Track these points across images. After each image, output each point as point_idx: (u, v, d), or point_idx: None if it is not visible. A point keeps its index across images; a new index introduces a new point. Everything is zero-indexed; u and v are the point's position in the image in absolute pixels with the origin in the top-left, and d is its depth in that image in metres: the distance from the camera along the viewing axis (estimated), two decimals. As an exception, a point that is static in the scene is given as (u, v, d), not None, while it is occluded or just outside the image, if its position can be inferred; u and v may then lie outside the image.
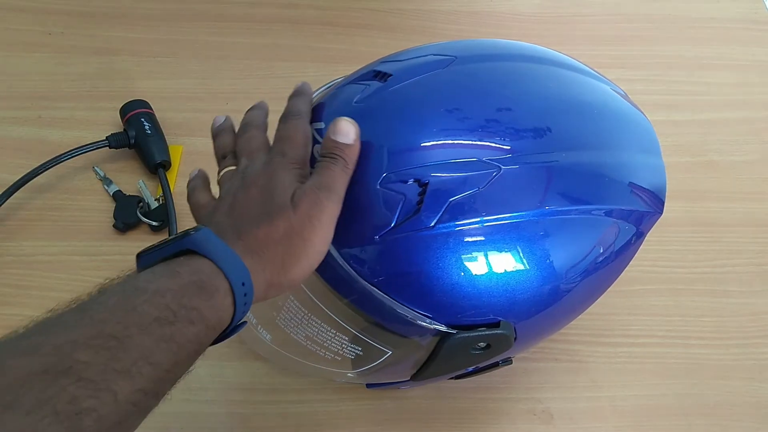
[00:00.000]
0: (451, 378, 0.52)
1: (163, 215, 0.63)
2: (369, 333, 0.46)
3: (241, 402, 0.56)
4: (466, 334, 0.43)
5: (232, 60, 0.76)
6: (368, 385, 0.55)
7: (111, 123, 0.69)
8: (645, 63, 0.81)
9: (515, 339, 0.45)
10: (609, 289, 0.56)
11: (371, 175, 0.41)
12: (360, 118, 0.42)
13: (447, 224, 0.41)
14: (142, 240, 0.62)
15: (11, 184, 0.62)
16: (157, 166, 0.65)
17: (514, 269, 0.42)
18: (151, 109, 0.68)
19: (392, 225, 0.41)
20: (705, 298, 0.64)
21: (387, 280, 0.42)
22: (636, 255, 0.56)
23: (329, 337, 0.47)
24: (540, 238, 0.42)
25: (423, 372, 0.48)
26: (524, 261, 0.42)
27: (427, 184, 0.41)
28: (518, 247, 0.42)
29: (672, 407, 0.58)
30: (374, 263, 0.42)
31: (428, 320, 0.42)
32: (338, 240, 0.41)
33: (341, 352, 0.48)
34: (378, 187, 0.41)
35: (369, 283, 0.42)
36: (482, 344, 0.44)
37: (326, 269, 0.42)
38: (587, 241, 0.44)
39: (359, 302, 0.43)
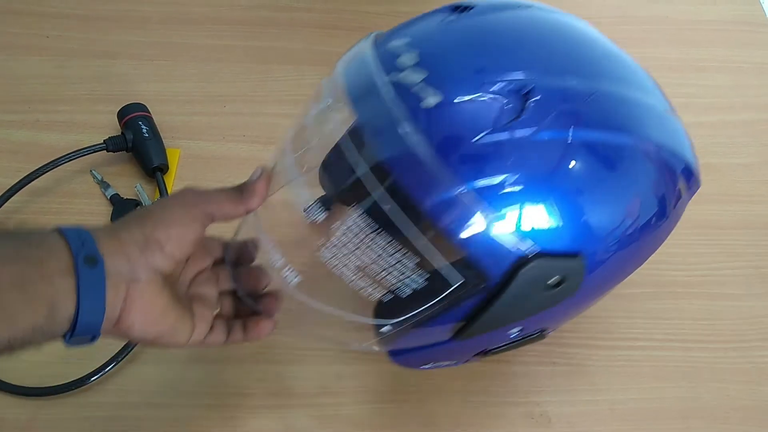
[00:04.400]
0: (479, 354, 0.51)
1: (161, 219, 0.63)
2: (441, 253, 0.42)
3: (237, 406, 0.56)
4: (547, 261, 0.41)
5: (230, 63, 0.76)
6: (392, 354, 0.51)
7: (109, 126, 0.69)
8: (643, 65, 0.81)
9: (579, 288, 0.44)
10: (608, 292, 0.57)
11: (474, 79, 0.41)
12: (458, 33, 0.44)
13: (547, 133, 0.41)
14: (140, 243, 0.62)
15: (9, 187, 0.62)
16: (154, 169, 0.65)
17: (604, 195, 0.43)
18: (148, 112, 0.68)
19: (491, 129, 0.40)
20: (703, 301, 0.64)
21: (480, 187, 0.40)
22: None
23: (390, 263, 0.43)
24: (630, 163, 0.44)
25: (478, 320, 0.45)
26: (614, 188, 0.43)
27: (531, 91, 0.41)
28: (612, 171, 0.43)
29: (670, 410, 0.58)
30: (469, 167, 0.40)
31: (516, 236, 0.41)
32: (431, 142, 0.40)
33: (397, 284, 0.44)
34: (479, 91, 0.41)
35: (459, 188, 0.40)
36: (556, 279, 0.43)
37: (413, 173, 0.40)
38: (653, 180, 0.46)
39: (444, 211, 0.40)
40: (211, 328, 0.46)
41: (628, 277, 0.58)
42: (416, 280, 0.44)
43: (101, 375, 0.55)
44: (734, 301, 0.64)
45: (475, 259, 0.42)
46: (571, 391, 0.58)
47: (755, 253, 0.68)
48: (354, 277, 0.45)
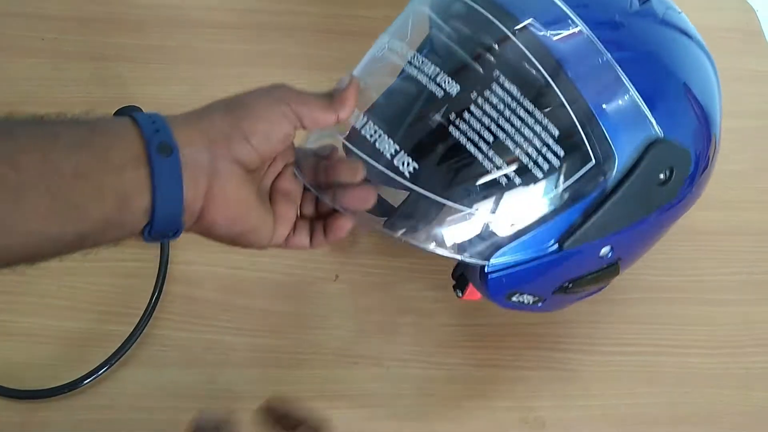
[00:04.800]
0: (561, 290, 0.51)
1: (156, 222, 0.63)
2: (581, 126, 0.44)
3: (232, 410, 0.55)
4: (669, 146, 0.46)
5: (226, 66, 0.76)
6: (482, 279, 0.49)
7: (104, 129, 0.69)
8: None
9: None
10: (601, 298, 0.57)
11: None
12: None
13: (669, 23, 0.49)
14: (136, 246, 0.61)
15: (3, 189, 0.62)
16: (150, 172, 0.65)
17: (710, 98, 0.50)
18: (144, 115, 0.68)
19: (628, 8, 0.47)
20: (697, 307, 0.64)
21: (624, 60, 0.44)
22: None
23: (528, 136, 0.44)
24: (717, 77, 0.52)
25: (593, 218, 0.47)
26: (715, 95, 0.51)
27: None
28: (716, 78, 0.51)
29: (664, 416, 0.58)
30: (616, 39, 0.45)
31: (649, 117, 0.45)
32: (579, 13, 0.44)
33: (530, 161, 0.44)
34: None
35: (605, 57, 0.44)
36: (667, 172, 0.47)
37: (562, 42, 0.44)
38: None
39: (590, 80, 0.44)
40: (295, 230, 0.45)
41: (622, 283, 0.58)
42: (550, 159, 0.44)
43: (94, 378, 0.55)
44: (728, 307, 0.65)
45: (611, 136, 0.45)
46: (565, 396, 0.58)
47: (748, 259, 0.68)
48: (484, 156, 0.44)
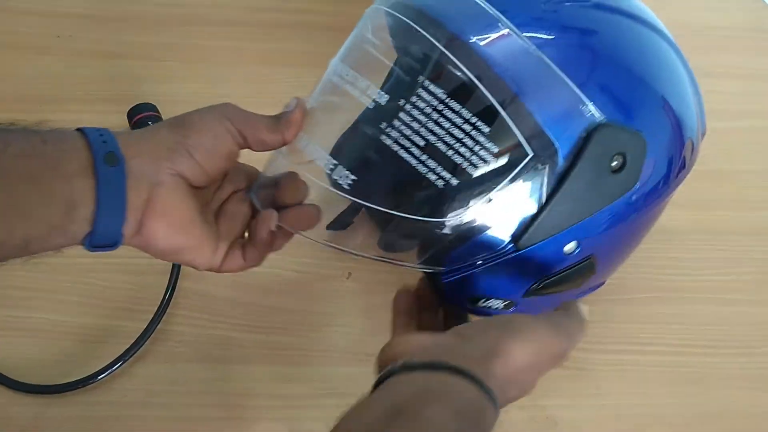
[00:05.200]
0: (532, 292, 0.50)
1: (169, 219, 0.63)
2: (514, 122, 0.43)
3: (243, 407, 0.56)
4: (614, 130, 0.44)
5: (239, 64, 0.76)
6: (444, 276, 0.49)
7: (118, 126, 0.67)
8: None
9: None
10: (613, 297, 0.56)
11: None
12: None
13: (601, 7, 0.47)
14: (148, 243, 0.63)
15: (18, 186, 0.62)
16: (163, 169, 0.65)
17: (672, 83, 0.49)
18: (158, 112, 0.69)
19: None
20: (710, 307, 0.64)
21: (551, 48, 0.43)
22: (640, 263, 0.56)
23: (460, 136, 0.43)
24: (679, 60, 0.52)
25: (544, 212, 0.45)
26: (676, 82, 0.50)
27: None
28: (674, 61, 0.51)
29: (676, 416, 0.58)
30: (538, 28, 0.44)
31: (586, 103, 0.43)
32: (502, 9, 0.43)
33: (466, 162, 0.44)
34: None
35: (532, 48, 0.43)
36: (619, 161, 0.45)
37: (487, 40, 0.43)
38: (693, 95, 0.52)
39: (520, 73, 0.43)
40: (228, 252, 0.46)
41: (636, 282, 0.58)
42: (485, 157, 0.44)
43: (108, 374, 0.55)
44: (742, 307, 0.64)
45: (547, 126, 0.43)
46: (576, 395, 0.58)
47: (762, 259, 0.68)
48: (421, 155, 0.44)
